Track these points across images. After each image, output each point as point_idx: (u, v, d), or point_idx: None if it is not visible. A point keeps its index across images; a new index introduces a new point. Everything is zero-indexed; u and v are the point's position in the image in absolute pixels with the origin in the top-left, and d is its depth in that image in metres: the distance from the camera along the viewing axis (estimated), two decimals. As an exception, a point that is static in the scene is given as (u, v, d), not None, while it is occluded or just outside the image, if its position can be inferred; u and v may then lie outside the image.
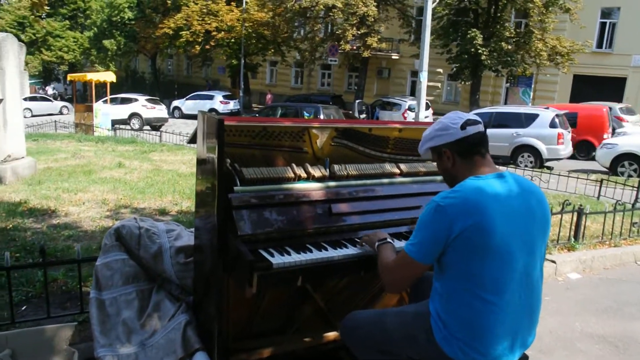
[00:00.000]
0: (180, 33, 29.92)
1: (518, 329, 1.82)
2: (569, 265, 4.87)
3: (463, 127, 1.90)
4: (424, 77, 12.12)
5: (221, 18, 29.67)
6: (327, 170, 2.54)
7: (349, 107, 24.14)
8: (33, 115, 27.65)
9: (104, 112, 19.69)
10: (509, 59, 22.05)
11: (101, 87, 23.34)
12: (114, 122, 19.81)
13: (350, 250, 2.27)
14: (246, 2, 29.58)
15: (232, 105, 28.10)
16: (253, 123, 2.45)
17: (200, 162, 2.48)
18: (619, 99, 24.18)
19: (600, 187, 8.14)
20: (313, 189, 2.45)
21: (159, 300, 2.66)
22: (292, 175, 2.43)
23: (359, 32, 25.19)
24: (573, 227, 5.24)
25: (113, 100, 22.98)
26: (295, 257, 2.13)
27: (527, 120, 13.54)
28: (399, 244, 2.35)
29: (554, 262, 4.76)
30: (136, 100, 24.17)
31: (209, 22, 29.55)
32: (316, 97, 25.76)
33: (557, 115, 13.45)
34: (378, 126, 2.84)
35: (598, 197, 8.03)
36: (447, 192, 1.81)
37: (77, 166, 8.34)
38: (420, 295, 2.24)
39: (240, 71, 30.65)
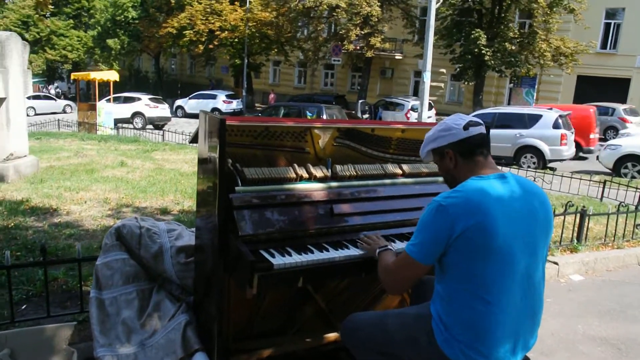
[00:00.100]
0: (184, 32, 29.96)
1: (520, 331, 1.81)
2: (571, 266, 4.85)
3: (466, 127, 1.90)
4: (427, 77, 12.09)
5: (225, 17, 29.70)
6: (329, 170, 2.53)
7: (352, 107, 24.13)
8: (36, 114, 27.72)
9: (107, 111, 19.72)
10: (512, 59, 22.01)
11: (104, 86, 23.38)
12: (117, 121, 19.84)
13: (352, 252, 2.26)
14: (250, 2, 29.60)
15: (235, 104, 28.11)
16: (255, 123, 2.44)
17: (202, 162, 2.47)
18: (623, 100, 24.12)
19: (604, 188, 8.11)
20: (315, 189, 2.43)
21: (159, 300, 2.65)
22: (294, 175, 2.42)
23: (363, 32, 25.18)
24: (576, 229, 5.22)
25: (116, 99, 23.03)
26: (296, 258, 2.12)
27: (530, 121, 13.50)
28: (401, 245, 2.34)
29: (556, 263, 4.74)
30: (139, 99, 24.19)
31: (212, 21, 29.58)
32: (319, 97, 25.78)
33: (560, 116, 13.40)
34: (381, 126, 2.82)
35: (601, 199, 7.99)
36: (448, 192, 1.80)
37: (80, 165, 8.34)
38: (421, 296, 2.22)
39: (243, 71, 30.66)
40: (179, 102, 29.37)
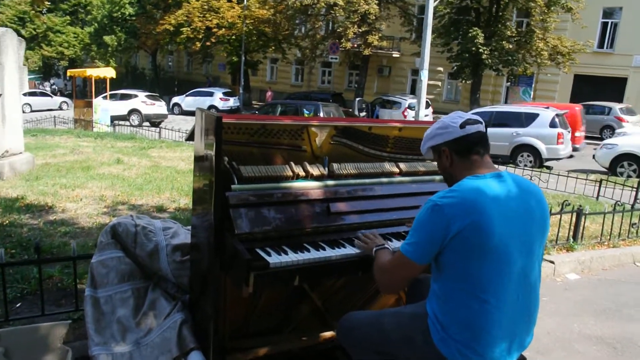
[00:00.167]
0: (181, 29, 29.83)
1: (516, 330, 1.80)
2: (567, 265, 4.86)
3: (462, 126, 1.90)
4: (424, 75, 12.08)
5: (222, 15, 29.58)
6: (326, 169, 2.52)
7: (349, 105, 24.11)
8: (32, 111, 27.56)
9: (104, 108, 19.65)
10: (509, 58, 22.02)
11: (101, 83, 23.32)
12: (113, 118, 19.78)
13: (349, 250, 2.25)
14: (247, -1, 29.55)
15: (232, 102, 28.04)
16: (251, 121, 2.44)
17: (198, 160, 2.45)
18: (620, 99, 24.18)
19: (600, 187, 8.12)
20: (311, 187, 2.43)
21: (155, 299, 2.64)
22: (291, 173, 2.41)
23: (360, 30, 25.14)
24: (572, 228, 5.22)
25: (113, 96, 22.93)
26: (292, 257, 2.11)
27: (527, 119, 13.51)
28: (398, 244, 2.33)
29: (552, 262, 4.75)
30: (136, 96, 24.10)
31: (209, 18, 29.46)
32: (316, 95, 25.70)
33: (557, 115, 13.42)
34: (378, 125, 2.82)
35: (597, 198, 8.01)
36: (444, 192, 1.79)
37: (76, 162, 8.31)
38: (417, 295, 2.22)
39: (240, 68, 30.57)
40: (175, 99, 29.27)
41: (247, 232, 2.17)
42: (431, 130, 2.00)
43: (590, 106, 22.45)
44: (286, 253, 2.14)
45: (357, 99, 23.71)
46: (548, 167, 11.98)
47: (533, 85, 26.95)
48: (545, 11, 21.54)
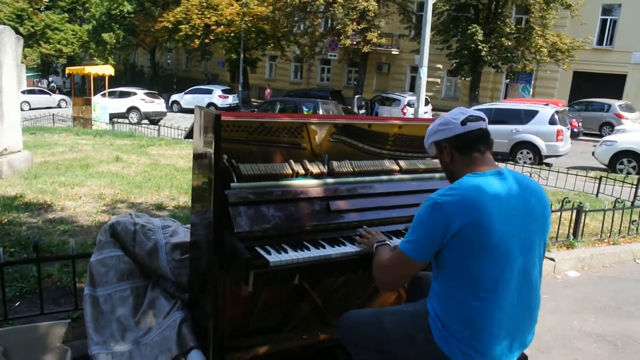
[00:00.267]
0: (180, 27, 29.79)
1: (517, 328, 1.80)
2: (567, 263, 4.85)
3: (463, 122, 1.89)
4: (424, 72, 12.05)
5: (221, 12, 29.53)
6: (326, 166, 2.51)
7: (348, 102, 24.09)
8: (31, 108, 27.53)
9: (102, 106, 19.59)
10: (509, 55, 22.02)
11: (100, 81, 23.26)
12: (112, 116, 19.74)
13: (349, 249, 2.24)
14: (246, -4, 29.48)
15: (231, 99, 28.02)
16: (250, 118, 2.42)
17: (197, 158, 2.44)
18: (619, 96, 24.18)
19: (599, 184, 8.12)
20: (311, 185, 2.41)
21: (154, 298, 2.63)
22: (290, 171, 2.40)
23: (359, 27, 25.10)
24: (572, 225, 5.22)
25: (111, 94, 22.90)
26: (292, 255, 2.10)
27: (526, 116, 13.50)
28: (398, 241, 2.32)
29: (552, 259, 4.74)
30: (135, 94, 24.06)
31: (208, 16, 29.41)
32: (315, 92, 25.69)
33: (556, 112, 13.41)
34: (378, 122, 2.81)
35: (597, 195, 8.01)
36: (444, 190, 1.78)
37: (74, 160, 8.29)
38: (418, 293, 2.21)
39: (239, 65, 30.53)
40: (174, 97, 29.24)
41: (246, 230, 2.16)
42: (433, 126, 1.99)
43: (590, 103, 22.49)
44: (286, 251, 2.13)
45: (356, 96, 23.69)
46: (547, 164, 11.98)
47: (532, 82, 26.94)
48: (545, 8, 21.53)
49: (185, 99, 28.23)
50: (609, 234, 5.47)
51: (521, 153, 13.37)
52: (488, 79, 27.16)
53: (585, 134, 19.72)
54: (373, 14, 24.79)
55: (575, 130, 16.20)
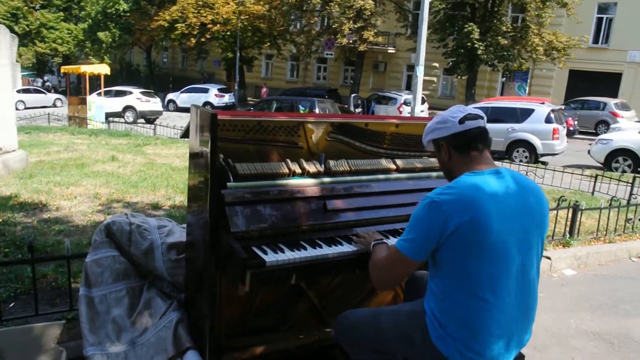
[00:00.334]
0: (176, 25, 29.70)
1: (514, 327, 1.79)
2: (564, 261, 4.86)
3: (461, 121, 1.88)
4: (420, 71, 12.03)
5: (217, 10, 29.47)
6: (322, 165, 2.50)
7: (344, 101, 24.06)
8: (26, 108, 27.43)
9: (98, 105, 19.54)
10: (505, 53, 22.04)
11: (95, 80, 23.17)
12: (108, 115, 19.69)
13: (345, 248, 2.23)
14: (242, -5, 29.42)
15: (227, 98, 27.98)
16: (247, 117, 2.40)
17: (193, 157, 2.43)
18: (615, 95, 24.25)
19: (595, 182, 8.14)
20: (308, 185, 2.40)
21: (150, 298, 2.61)
22: (287, 170, 2.38)
23: (356, 26, 25.10)
24: (568, 223, 5.23)
25: (107, 93, 22.82)
26: (289, 255, 2.09)
27: (522, 115, 13.52)
28: (394, 241, 2.31)
29: (549, 258, 4.75)
30: (130, 93, 23.99)
31: (204, 14, 29.35)
32: (312, 91, 25.65)
33: (552, 111, 13.44)
34: (374, 121, 2.80)
35: (592, 193, 8.03)
36: (442, 188, 1.77)
37: (70, 159, 8.25)
38: (415, 293, 2.21)
39: (235, 64, 30.46)
40: (170, 95, 29.19)
41: (243, 230, 2.15)
42: (431, 124, 1.98)
43: (585, 101, 22.55)
44: (283, 251, 2.12)
45: (353, 95, 23.69)
46: (543, 163, 12.00)
47: (528, 81, 26.98)
48: (541, 6, 21.58)
49: (182, 98, 28.17)
50: (604, 232, 5.48)
51: (517, 152, 13.40)
52: (484, 78, 27.18)
53: (581, 132, 19.79)
54: (369, 13, 24.81)
55: (571, 128, 16.26)
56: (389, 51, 30.61)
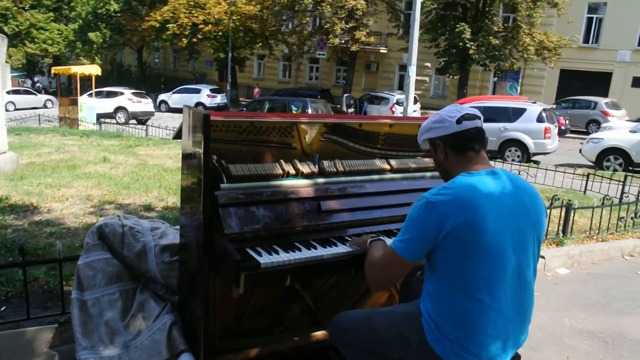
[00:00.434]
0: (167, 26, 29.57)
1: (510, 328, 1.78)
2: (557, 260, 4.88)
3: (459, 121, 1.86)
4: (412, 71, 12.05)
5: (208, 11, 29.37)
6: (316, 166, 2.49)
7: (337, 101, 24.07)
8: (16, 109, 27.19)
9: (89, 106, 19.42)
10: (496, 53, 22.15)
11: (86, 81, 23.02)
12: (99, 116, 19.57)
13: (340, 249, 2.22)
14: (233, -5, 29.35)
15: (220, 99, 27.91)
16: (240, 118, 2.39)
17: (186, 158, 2.41)
18: (605, 94, 24.43)
19: (587, 181, 8.18)
20: (302, 185, 2.39)
21: (144, 301, 2.59)
22: (281, 171, 2.37)
23: (348, 26, 25.11)
24: (562, 222, 5.24)
25: (98, 94, 22.69)
26: (283, 257, 2.08)
27: (514, 114, 13.58)
28: (389, 241, 2.31)
29: (543, 257, 4.76)
30: (122, 93, 23.86)
31: (196, 14, 29.24)
32: (304, 91, 25.64)
33: (544, 110, 13.51)
34: (368, 121, 2.79)
35: (584, 192, 8.07)
36: (438, 189, 1.77)
37: (61, 161, 8.18)
38: (410, 294, 2.20)
39: (227, 65, 30.39)
40: (162, 96, 29.06)
41: (237, 231, 2.14)
42: (427, 123, 1.97)
43: (576, 101, 22.72)
44: (277, 253, 2.10)
45: (345, 95, 23.70)
46: (535, 162, 12.05)
47: (520, 80, 27.11)
48: (532, 6, 21.71)
49: (173, 98, 28.06)
50: (597, 231, 5.51)
51: (509, 151, 13.45)
52: (476, 77, 27.29)
53: (573, 131, 19.91)
54: (361, 13, 24.83)
55: (563, 127, 16.35)
56: (381, 51, 30.66)
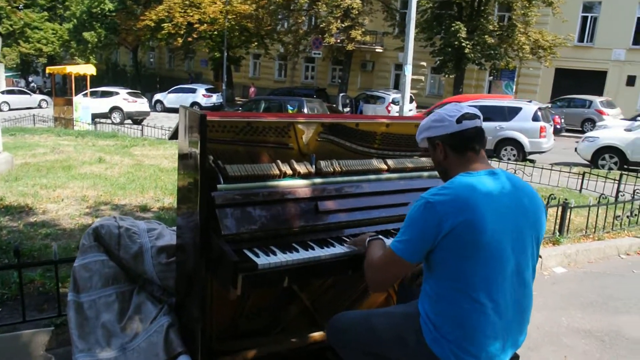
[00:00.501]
0: (162, 25, 29.50)
1: (509, 329, 1.78)
2: (554, 259, 4.88)
3: (459, 120, 1.85)
4: (408, 70, 12.05)
5: (204, 10, 29.31)
6: (313, 166, 2.47)
7: (332, 100, 24.10)
8: (11, 109, 27.08)
9: (84, 106, 19.34)
10: (492, 52, 22.21)
11: (81, 80, 22.91)
12: (95, 116, 19.51)
13: (338, 249, 2.21)
14: (229, -6, 29.30)
15: (215, 98, 27.85)
16: (237, 118, 2.38)
17: (183, 159, 2.39)
18: (600, 93, 24.53)
19: (583, 180, 8.20)
20: (299, 186, 2.38)
21: (140, 302, 2.57)
22: (278, 172, 2.36)
23: (343, 25, 25.11)
24: (558, 221, 5.25)
25: (93, 94, 22.61)
26: (281, 257, 2.07)
27: (510, 113, 13.60)
28: (387, 241, 2.30)
29: (539, 256, 4.75)
30: (117, 93, 23.80)
31: (191, 14, 29.17)
32: (300, 91, 25.63)
33: (539, 109, 13.54)
34: (365, 121, 2.78)
35: (580, 190, 8.09)
36: (437, 189, 1.76)
37: (56, 161, 8.14)
38: (409, 295, 2.19)
39: (223, 64, 30.34)
40: (157, 96, 28.99)
41: (234, 232, 2.12)
42: (427, 122, 1.95)
43: (572, 99, 22.79)
44: (274, 254, 2.09)
45: (341, 94, 23.71)
46: (531, 161, 12.08)
47: (515, 79, 27.18)
48: (527, 5, 21.78)
49: (169, 98, 27.99)
50: (593, 230, 5.52)
51: (505, 150, 13.47)
52: (472, 76, 27.34)
53: (568, 130, 19.96)
54: (357, 12, 24.82)
55: (558, 126, 16.38)
56: (377, 50, 30.68)
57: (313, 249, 2.19)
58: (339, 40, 26.27)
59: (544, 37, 22.06)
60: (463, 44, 21.59)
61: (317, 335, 2.73)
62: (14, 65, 40.55)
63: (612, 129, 14.39)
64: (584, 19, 26.05)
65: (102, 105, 22.44)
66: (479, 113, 1.90)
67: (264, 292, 2.57)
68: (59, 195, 5.74)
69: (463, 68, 23.78)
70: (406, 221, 1.79)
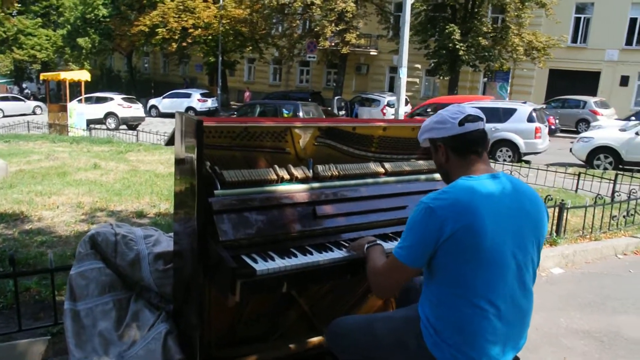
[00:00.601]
0: (157, 30, 29.47)
1: (510, 333, 1.77)
2: (551, 260, 4.88)
3: (461, 123, 1.82)
4: (403, 73, 12.07)
5: (198, 15, 29.31)
6: (311, 171, 2.47)
7: (328, 103, 24.08)
8: (5, 116, 26.98)
9: (79, 112, 19.29)
10: (486, 54, 22.29)
11: (75, 86, 22.87)
12: (89, 122, 19.41)
13: (336, 254, 2.20)
14: (223, -1, 29.31)
15: (210, 103, 27.82)
16: (233, 124, 2.37)
17: (179, 165, 2.38)
18: (594, 93, 24.64)
19: (578, 180, 8.22)
20: (296, 190, 2.37)
21: (138, 310, 2.56)
22: (275, 177, 2.35)
23: (338, 29, 25.13)
24: (555, 222, 5.26)
25: (88, 100, 22.54)
26: (279, 263, 2.06)
27: (505, 115, 13.63)
28: (386, 245, 2.29)
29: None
30: (112, 99, 23.73)
31: (185, 19, 29.16)
32: (295, 94, 25.61)
33: (534, 110, 13.58)
34: (362, 125, 2.77)
35: (576, 191, 8.11)
36: (437, 193, 1.75)
37: (51, 168, 8.11)
38: (409, 299, 2.18)
39: (218, 69, 30.33)
40: (152, 101, 28.92)
41: (231, 238, 2.11)
42: (429, 123, 1.92)
43: (566, 100, 22.88)
44: (273, 259, 2.08)
45: (336, 97, 23.72)
46: (527, 162, 12.10)
47: (510, 81, 27.27)
48: (520, 7, 21.88)
49: (164, 103, 27.93)
50: (590, 230, 5.53)
51: (500, 151, 13.50)
52: (466, 78, 27.41)
53: (563, 130, 20.02)
54: (351, 15, 24.86)
55: (553, 127, 16.44)
56: (371, 53, 30.73)
57: (311, 254, 2.18)
58: (333, 44, 26.32)
59: (537, 39, 22.16)
60: (457, 46, 21.66)
61: (315, 340, 2.71)
62: (8, 72, 40.44)
63: (607, 129, 14.45)
64: (577, 20, 26.19)
65: (97, 111, 22.36)
66: (482, 115, 1.86)
67: (262, 297, 2.55)
68: (54, 202, 5.71)
69: (457, 70, 23.85)
70: (407, 227, 1.78)
